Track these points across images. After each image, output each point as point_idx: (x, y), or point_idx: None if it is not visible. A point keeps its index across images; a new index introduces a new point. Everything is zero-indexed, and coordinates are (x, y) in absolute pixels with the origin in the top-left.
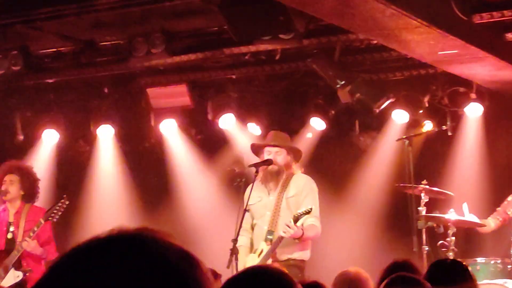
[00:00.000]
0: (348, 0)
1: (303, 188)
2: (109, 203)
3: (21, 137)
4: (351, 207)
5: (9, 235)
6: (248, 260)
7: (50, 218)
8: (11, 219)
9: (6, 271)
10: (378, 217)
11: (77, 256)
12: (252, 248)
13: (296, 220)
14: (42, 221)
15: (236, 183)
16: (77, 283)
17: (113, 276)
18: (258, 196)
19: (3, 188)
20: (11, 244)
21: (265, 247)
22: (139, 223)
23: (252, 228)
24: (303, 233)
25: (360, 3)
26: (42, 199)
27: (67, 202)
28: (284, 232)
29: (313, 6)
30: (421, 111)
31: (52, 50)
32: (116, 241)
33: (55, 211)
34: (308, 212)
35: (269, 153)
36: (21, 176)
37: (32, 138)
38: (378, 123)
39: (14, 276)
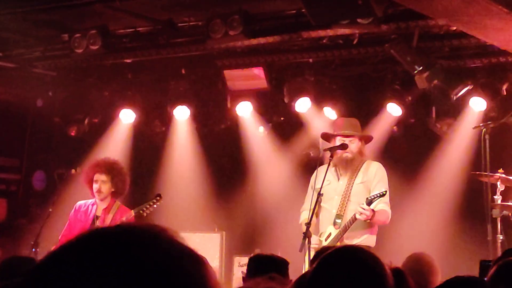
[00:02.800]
0: None
1: (375, 174)
2: (183, 183)
3: (98, 116)
4: (425, 194)
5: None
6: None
7: (141, 212)
8: (98, 213)
9: None
10: (452, 204)
11: (70, 252)
12: (317, 232)
13: (369, 203)
14: (133, 213)
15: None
16: (66, 282)
17: (110, 273)
18: (327, 180)
19: (95, 189)
20: None
21: (333, 231)
22: (212, 204)
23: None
24: (374, 214)
25: None
26: None
27: (159, 203)
28: (360, 214)
29: None
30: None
31: (131, 30)
32: (116, 237)
33: (145, 208)
34: (382, 195)
35: (341, 140)
36: (113, 176)
37: (109, 117)
38: (455, 110)
39: None
